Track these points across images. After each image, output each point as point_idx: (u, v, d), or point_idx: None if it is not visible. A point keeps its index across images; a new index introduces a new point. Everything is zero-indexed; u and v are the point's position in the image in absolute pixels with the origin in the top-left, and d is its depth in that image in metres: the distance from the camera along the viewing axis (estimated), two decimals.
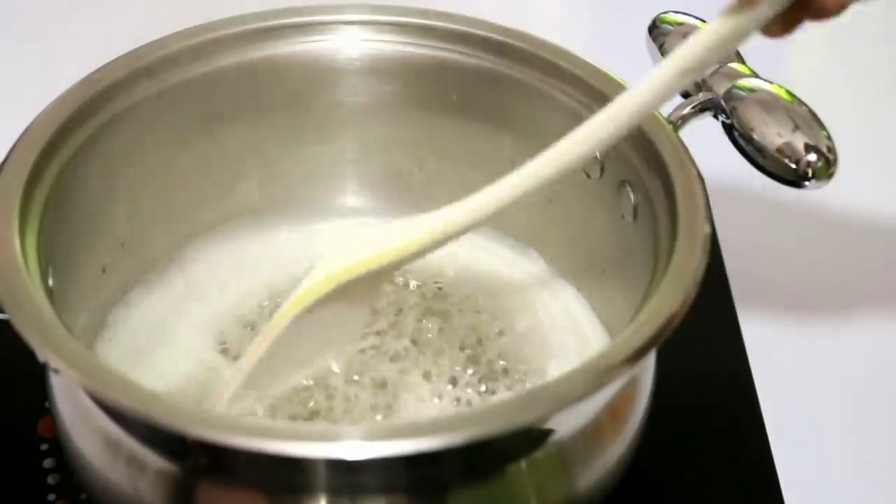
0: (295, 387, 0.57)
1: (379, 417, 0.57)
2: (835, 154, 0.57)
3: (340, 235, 0.66)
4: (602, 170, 0.60)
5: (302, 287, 0.56)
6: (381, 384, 0.59)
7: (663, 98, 0.51)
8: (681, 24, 0.63)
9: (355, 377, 0.58)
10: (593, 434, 0.52)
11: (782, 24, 0.49)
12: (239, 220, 0.66)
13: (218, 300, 0.63)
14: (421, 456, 0.46)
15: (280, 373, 0.57)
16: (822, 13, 0.49)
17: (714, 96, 0.59)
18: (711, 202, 0.54)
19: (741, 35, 0.49)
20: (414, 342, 0.61)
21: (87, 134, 0.58)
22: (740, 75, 0.59)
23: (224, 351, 0.61)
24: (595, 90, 0.60)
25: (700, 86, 0.60)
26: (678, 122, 0.59)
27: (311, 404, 0.57)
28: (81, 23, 0.90)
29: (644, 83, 0.50)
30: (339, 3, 0.64)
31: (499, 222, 0.65)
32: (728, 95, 0.59)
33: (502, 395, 0.59)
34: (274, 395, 0.57)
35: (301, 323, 0.56)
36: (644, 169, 0.57)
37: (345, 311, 0.56)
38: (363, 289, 0.55)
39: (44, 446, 0.61)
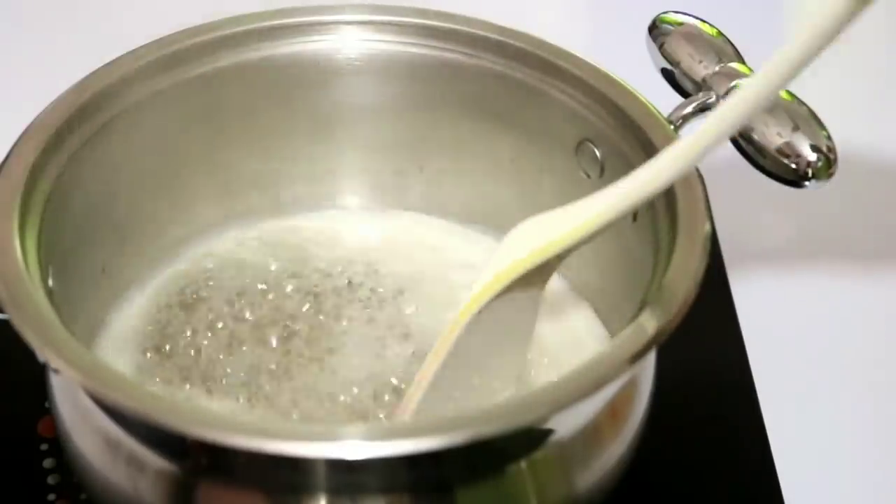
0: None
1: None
2: (835, 154, 0.57)
3: (344, 235, 0.66)
4: (602, 170, 0.60)
5: (474, 290, 0.53)
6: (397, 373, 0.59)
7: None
8: (681, 24, 0.63)
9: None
10: (593, 434, 0.52)
11: None
12: (238, 221, 0.66)
13: (218, 300, 0.63)
14: (421, 456, 0.46)
15: (460, 381, 0.55)
16: None
17: (714, 96, 0.59)
18: (711, 202, 0.54)
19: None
20: (406, 337, 0.61)
21: (87, 134, 0.58)
22: (740, 75, 0.59)
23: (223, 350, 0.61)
24: (595, 90, 0.60)
25: (700, 86, 0.60)
26: (678, 122, 0.59)
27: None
28: (81, 23, 0.90)
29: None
30: (339, 3, 0.64)
31: (498, 222, 0.65)
32: (728, 95, 0.59)
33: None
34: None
35: (475, 326, 0.53)
36: None
37: (517, 306, 0.54)
38: (534, 279, 0.53)
39: (44, 446, 0.61)
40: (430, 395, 0.54)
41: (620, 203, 0.50)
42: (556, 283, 0.64)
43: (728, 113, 0.47)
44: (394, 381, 0.59)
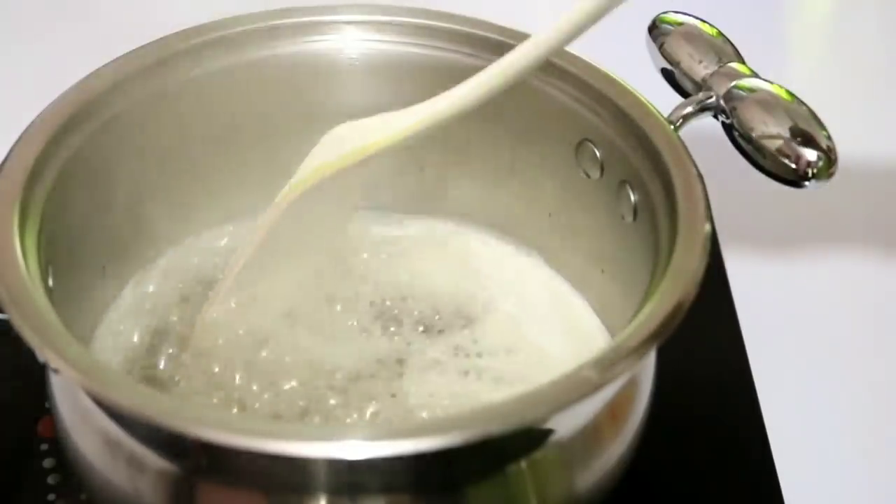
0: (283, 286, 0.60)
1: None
2: (835, 154, 0.57)
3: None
4: (602, 170, 0.60)
5: (294, 180, 0.58)
6: (396, 373, 0.59)
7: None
8: (681, 24, 0.63)
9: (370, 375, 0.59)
10: (593, 434, 0.52)
11: None
12: (239, 220, 0.66)
13: (218, 300, 0.63)
14: (421, 456, 0.46)
15: (271, 269, 0.58)
16: None
17: (714, 96, 0.59)
18: (711, 202, 0.54)
19: None
20: (408, 343, 0.61)
21: (87, 134, 0.58)
22: (740, 75, 0.59)
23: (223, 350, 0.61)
24: (595, 90, 0.60)
25: (700, 86, 0.60)
26: (678, 122, 0.59)
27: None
28: (81, 23, 0.91)
29: None
30: (339, 3, 0.64)
31: (498, 222, 0.66)
32: (728, 95, 0.59)
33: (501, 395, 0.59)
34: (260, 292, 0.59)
35: (291, 216, 0.58)
36: (644, 169, 0.57)
37: (331, 203, 0.59)
38: (349, 179, 0.58)
39: (44, 446, 0.61)
40: (245, 273, 0.59)
41: (430, 118, 0.55)
42: (555, 282, 0.64)
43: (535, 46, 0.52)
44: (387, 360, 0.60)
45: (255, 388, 0.58)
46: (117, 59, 0.60)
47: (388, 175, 0.67)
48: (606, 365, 0.49)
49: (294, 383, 0.58)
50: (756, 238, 0.75)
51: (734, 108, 0.58)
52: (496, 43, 0.62)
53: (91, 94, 0.59)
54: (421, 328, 0.62)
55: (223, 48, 0.62)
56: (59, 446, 0.56)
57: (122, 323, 0.62)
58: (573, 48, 0.62)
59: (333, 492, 0.48)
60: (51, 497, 0.59)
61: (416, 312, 0.62)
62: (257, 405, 0.57)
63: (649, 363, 0.55)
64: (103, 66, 0.60)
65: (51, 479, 0.60)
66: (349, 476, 0.48)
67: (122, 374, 0.57)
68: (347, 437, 0.46)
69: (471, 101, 0.54)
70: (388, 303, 0.63)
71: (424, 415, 0.57)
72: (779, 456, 0.62)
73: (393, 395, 0.58)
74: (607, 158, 0.60)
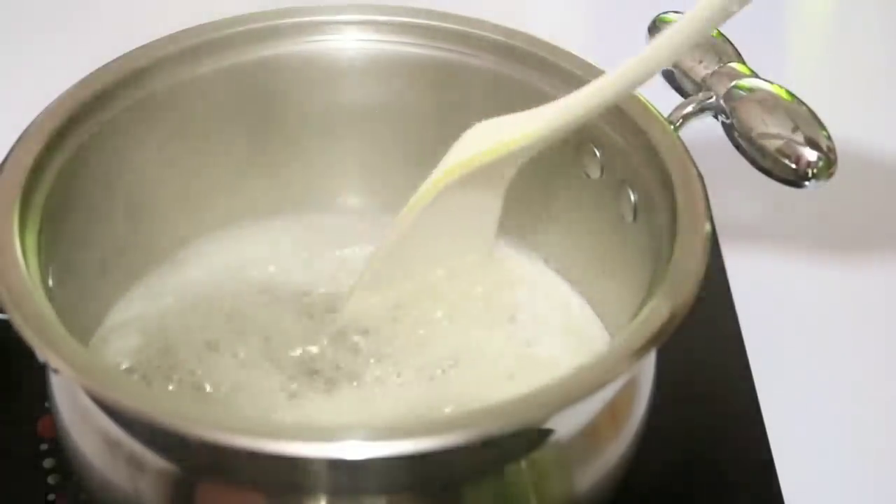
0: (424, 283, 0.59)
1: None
2: (835, 154, 0.57)
3: (344, 236, 0.67)
4: (602, 170, 0.60)
5: (432, 177, 0.57)
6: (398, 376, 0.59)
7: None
8: None
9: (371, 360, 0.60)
10: (593, 434, 0.52)
11: None
12: (239, 220, 0.66)
13: (218, 300, 0.63)
14: (421, 456, 0.46)
15: (409, 268, 0.58)
16: None
17: (714, 96, 0.59)
18: (711, 202, 0.54)
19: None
20: (412, 341, 0.61)
21: (87, 134, 0.58)
22: (740, 75, 0.59)
23: (224, 351, 0.61)
24: None
25: (700, 86, 0.60)
26: (678, 122, 0.59)
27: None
28: (81, 23, 0.91)
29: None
30: (339, 3, 0.64)
31: (499, 223, 0.66)
32: (728, 95, 0.59)
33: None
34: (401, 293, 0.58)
35: (430, 215, 0.57)
36: (644, 169, 0.57)
37: (473, 205, 0.58)
38: (490, 178, 0.57)
39: (44, 446, 0.61)
40: (381, 271, 0.59)
41: (570, 112, 0.54)
42: (555, 282, 0.64)
43: (681, 29, 0.50)
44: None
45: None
46: (117, 58, 0.60)
47: (388, 176, 0.67)
48: (606, 365, 0.49)
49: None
50: (756, 238, 0.75)
51: (734, 108, 0.58)
52: (496, 43, 0.62)
53: (91, 94, 0.59)
54: (421, 330, 0.62)
55: (223, 48, 0.62)
56: (59, 446, 0.56)
57: (122, 323, 0.62)
58: (573, 48, 0.62)
59: (333, 492, 0.48)
60: (51, 497, 0.59)
61: (408, 308, 0.63)
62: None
63: (649, 363, 0.55)
64: (103, 66, 0.60)
65: (51, 479, 0.60)
66: (349, 476, 0.48)
67: (122, 374, 0.57)
68: (347, 437, 0.46)
69: (609, 95, 0.53)
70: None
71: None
72: (779, 456, 0.62)
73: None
74: (607, 158, 0.60)
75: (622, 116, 0.58)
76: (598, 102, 0.53)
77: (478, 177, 0.57)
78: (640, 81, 0.52)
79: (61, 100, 0.58)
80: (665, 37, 0.50)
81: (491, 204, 0.59)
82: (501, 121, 0.57)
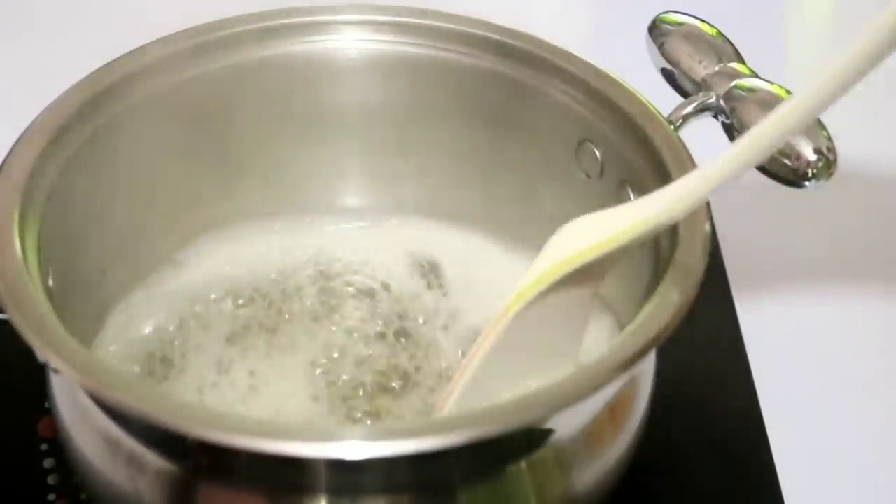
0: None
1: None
2: (835, 154, 0.57)
3: (344, 236, 0.66)
4: (602, 170, 0.60)
5: (522, 282, 0.53)
6: (402, 376, 0.59)
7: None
8: (681, 24, 0.63)
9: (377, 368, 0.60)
10: (593, 434, 0.52)
11: None
12: (239, 221, 0.66)
13: (218, 301, 0.63)
14: (421, 456, 0.46)
15: (502, 382, 0.54)
16: None
17: (714, 96, 0.59)
18: (711, 202, 0.54)
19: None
20: (416, 342, 0.61)
21: (87, 134, 0.58)
22: (740, 75, 0.59)
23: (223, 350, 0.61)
24: (595, 90, 0.60)
25: (700, 86, 0.60)
26: (678, 122, 0.59)
27: None
28: (82, 23, 0.90)
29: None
30: (339, 3, 0.64)
31: (498, 222, 0.65)
32: (728, 95, 0.59)
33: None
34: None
35: (522, 322, 0.53)
36: (644, 169, 0.57)
37: (566, 308, 0.53)
38: (583, 278, 0.53)
39: (44, 446, 0.61)
40: (472, 386, 0.54)
41: (666, 210, 0.50)
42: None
43: (777, 124, 0.46)
44: (389, 370, 0.60)
45: None
46: (117, 58, 0.60)
47: (388, 176, 0.67)
48: (606, 365, 0.48)
49: None
50: (756, 238, 0.75)
51: (734, 108, 0.58)
52: (496, 43, 0.62)
53: (91, 94, 0.59)
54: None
55: (223, 48, 0.62)
56: (59, 446, 0.56)
57: (122, 323, 0.62)
58: (573, 48, 0.62)
59: (333, 492, 0.48)
60: (51, 497, 0.59)
61: (407, 307, 0.63)
62: None
63: (649, 363, 0.55)
64: (103, 65, 0.60)
65: (51, 479, 0.60)
66: (349, 476, 0.48)
67: (122, 374, 0.57)
68: (347, 437, 0.46)
69: (703, 192, 0.49)
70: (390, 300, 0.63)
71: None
72: (779, 456, 0.62)
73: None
74: (607, 158, 0.60)
75: (622, 116, 0.58)
76: (698, 199, 0.49)
77: (574, 278, 0.52)
78: (737, 174, 0.48)
79: (61, 100, 0.58)
80: (767, 125, 0.46)
81: (583, 307, 0.54)
82: (597, 217, 0.52)
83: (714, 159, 0.48)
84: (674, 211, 0.50)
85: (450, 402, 0.54)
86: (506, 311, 0.53)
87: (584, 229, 0.52)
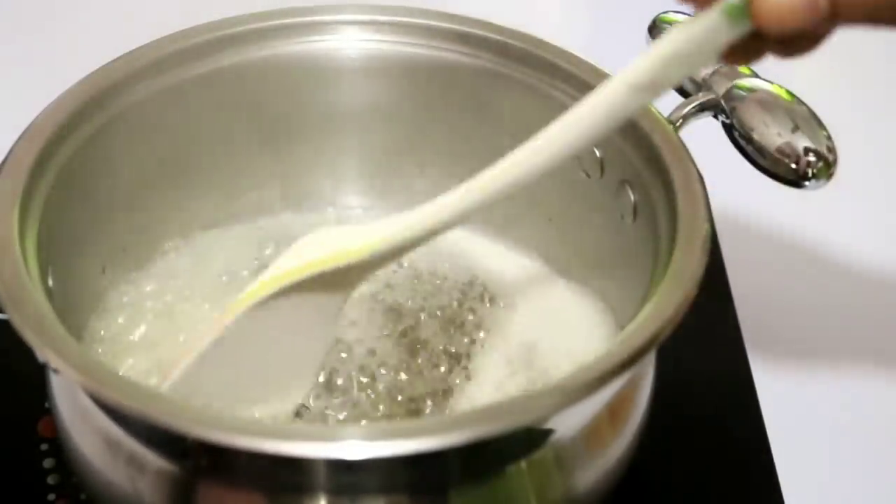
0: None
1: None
2: (835, 154, 0.57)
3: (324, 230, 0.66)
4: (602, 170, 0.60)
5: (269, 272, 0.53)
6: (400, 379, 0.59)
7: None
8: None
9: (381, 370, 0.59)
10: (593, 434, 0.52)
11: (743, 52, 0.46)
12: (238, 220, 0.66)
13: (218, 300, 0.63)
14: (421, 456, 0.46)
15: (229, 370, 0.54)
16: (786, 51, 0.47)
17: (714, 96, 0.59)
18: (711, 202, 0.54)
19: (699, 51, 0.45)
20: (414, 343, 0.61)
21: (87, 134, 0.58)
22: (740, 75, 0.59)
23: None
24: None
25: (700, 85, 0.60)
26: (678, 122, 0.59)
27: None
28: (81, 23, 0.90)
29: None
30: (339, 3, 0.64)
31: (498, 222, 0.65)
32: (728, 95, 0.59)
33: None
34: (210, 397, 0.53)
35: (261, 313, 0.53)
36: (644, 169, 0.57)
37: (310, 313, 0.54)
38: (333, 286, 0.53)
39: (44, 446, 0.61)
40: (193, 373, 0.54)
41: (408, 230, 0.51)
42: (555, 282, 0.64)
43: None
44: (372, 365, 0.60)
45: None
46: (117, 59, 0.60)
47: (387, 176, 0.67)
48: (606, 365, 0.48)
49: None
50: (756, 238, 0.75)
51: (734, 108, 0.58)
52: (496, 43, 0.62)
53: (91, 93, 0.59)
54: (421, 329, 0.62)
55: (223, 48, 0.62)
56: (59, 446, 0.56)
57: (122, 322, 0.62)
58: (573, 48, 0.62)
59: (333, 492, 0.48)
60: (51, 497, 0.59)
61: (406, 307, 0.62)
62: None
63: (649, 363, 0.55)
64: (103, 65, 0.60)
65: (51, 479, 0.60)
66: (349, 476, 0.48)
67: (122, 374, 0.57)
68: (347, 437, 0.46)
69: (452, 215, 0.51)
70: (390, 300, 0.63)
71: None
72: (779, 456, 0.62)
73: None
74: (607, 158, 0.60)
75: None
76: (448, 219, 0.51)
77: (310, 286, 0.53)
78: (501, 194, 0.50)
79: (61, 100, 0.58)
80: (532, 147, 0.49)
81: (325, 321, 0.55)
82: (338, 231, 0.54)
83: (455, 191, 0.50)
84: (404, 235, 0.51)
85: (170, 378, 0.54)
86: (233, 307, 0.54)
87: (324, 241, 0.53)
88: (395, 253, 0.52)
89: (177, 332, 0.61)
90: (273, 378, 0.56)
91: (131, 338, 0.61)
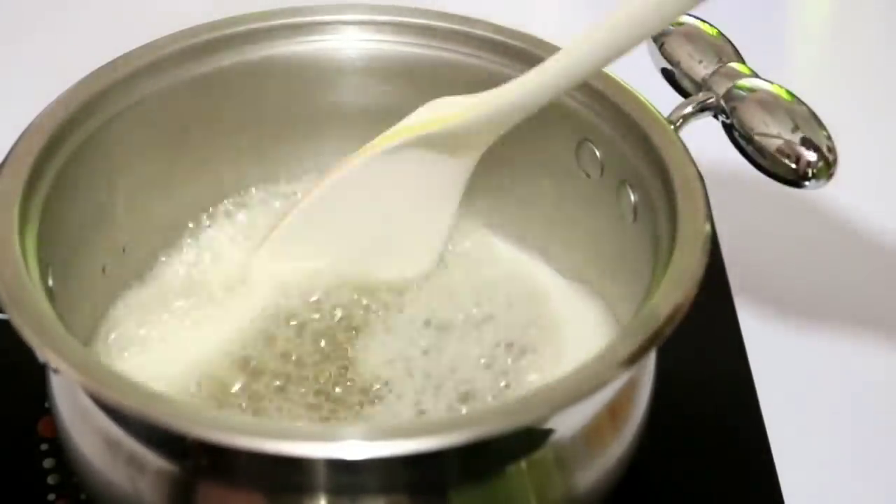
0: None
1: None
2: (835, 154, 0.57)
3: None
4: (602, 170, 0.60)
5: (386, 133, 0.56)
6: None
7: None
8: (681, 24, 0.63)
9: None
10: (593, 434, 0.52)
11: None
12: (238, 220, 0.66)
13: (218, 300, 0.63)
14: (421, 456, 0.46)
15: (343, 224, 0.56)
16: None
17: (714, 96, 0.59)
18: (711, 202, 0.54)
19: None
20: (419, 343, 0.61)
21: (87, 134, 0.58)
22: (740, 75, 0.59)
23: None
24: (595, 90, 0.60)
25: (700, 86, 0.60)
26: (678, 122, 0.59)
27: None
28: (81, 22, 0.90)
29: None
30: (339, 3, 0.64)
31: (498, 222, 0.65)
32: (728, 95, 0.59)
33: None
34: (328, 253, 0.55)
35: (373, 169, 0.55)
36: (644, 169, 0.57)
37: (430, 180, 0.56)
38: (454, 150, 0.55)
39: (44, 446, 0.61)
40: (308, 219, 0.56)
41: (530, 94, 0.54)
42: (554, 282, 0.64)
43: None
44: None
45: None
46: (117, 58, 0.60)
47: None
48: (606, 365, 0.49)
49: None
50: (756, 238, 0.75)
51: (734, 108, 0.58)
52: (496, 43, 0.62)
53: (91, 93, 0.59)
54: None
55: (223, 48, 0.62)
56: (59, 446, 0.56)
57: (122, 322, 0.62)
58: None
59: (333, 492, 0.48)
60: (51, 497, 0.59)
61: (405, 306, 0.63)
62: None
63: (649, 363, 0.55)
64: (103, 65, 0.60)
65: (51, 479, 0.60)
66: (349, 476, 0.48)
67: (122, 374, 0.57)
68: (347, 437, 0.46)
69: (570, 77, 0.53)
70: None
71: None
72: (779, 456, 0.62)
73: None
74: (607, 158, 0.60)
75: (622, 116, 0.58)
76: (566, 82, 0.53)
77: (435, 147, 0.55)
78: (603, 63, 0.52)
79: (61, 100, 0.58)
80: (621, 15, 0.51)
81: (448, 188, 0.57)
82: (462, 98, 0.57)
83: (571, 48, 0.53)
84: (536, 94, 0.54)
85: (284, 222, 0.56)
86: (359, 153, 0.56)
87: (451, 103, 0.56)
88: (512, 117, 0.55)
89: (178, 331, 0.61)
90: (395, 243, 0.57)
91: (131, 337, 0.61)
